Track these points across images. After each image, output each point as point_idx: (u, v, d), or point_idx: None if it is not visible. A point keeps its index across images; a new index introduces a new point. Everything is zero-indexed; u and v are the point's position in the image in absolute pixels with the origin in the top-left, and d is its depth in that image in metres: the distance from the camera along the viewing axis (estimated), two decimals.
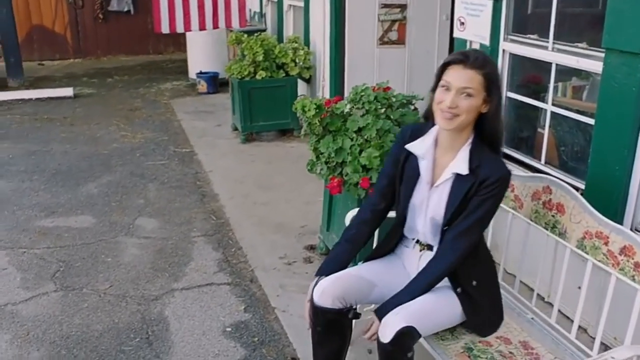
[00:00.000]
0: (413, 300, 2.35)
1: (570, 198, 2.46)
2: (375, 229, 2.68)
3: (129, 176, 5.84)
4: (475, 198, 2.29)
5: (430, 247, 2.48)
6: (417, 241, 2.53)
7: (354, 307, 2.52)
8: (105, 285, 3.87)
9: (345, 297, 2.47)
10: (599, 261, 2.33)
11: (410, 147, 2.42)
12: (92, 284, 3.89)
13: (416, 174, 2.42)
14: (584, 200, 2.41)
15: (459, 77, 2.23)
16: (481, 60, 2.26)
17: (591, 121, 3.18)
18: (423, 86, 5.80)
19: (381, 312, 2.33)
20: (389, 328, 2.26)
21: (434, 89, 2.32)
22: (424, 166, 2.40)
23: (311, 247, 4.33)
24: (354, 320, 2.57)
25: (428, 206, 2.40)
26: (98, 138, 7.16)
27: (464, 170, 2.29)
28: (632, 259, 2.20)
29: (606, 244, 2.30)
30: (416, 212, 2.45)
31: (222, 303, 3.65)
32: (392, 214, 2.63)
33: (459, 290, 2.42)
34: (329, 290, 2.45)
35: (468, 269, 2.41)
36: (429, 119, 2.42)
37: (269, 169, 6.04)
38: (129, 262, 4.16)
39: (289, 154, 6.53)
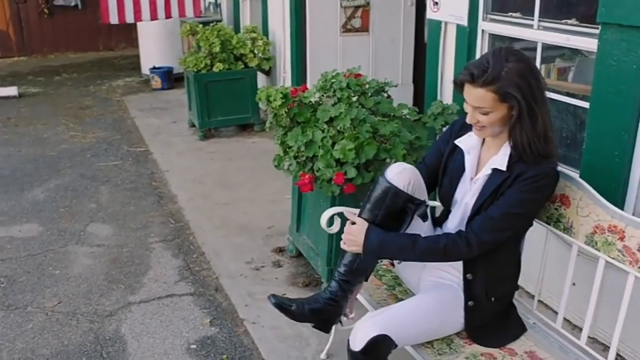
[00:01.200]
0: (395, 305, 2.21)
1: (577, 189, 2.19)
2: None
3: (79, 179, 5.41)
4: (510, 189, 2.07)
5: None
6: None
7: (427, 204, 2.24)
8: (53, 301, 3.48)
9: (418, 188, 2.24)
10: (613, 259, 2.07)
11: (459, 141, 2.29)
12: (38, 301, 3.49)
13: (461, 169, 2.27)
14: (593, 191, 2.14)
15: (470, 96, 2.07)
16: (490, 74, 1.99)
17: (582, 104, 2.94)
18: (388, 75, 5.56)
19: (371, 232, 2.15)
20: (360, 334, 2.08)
21: None
22: (469, 161, 2.25)
23: (280, 250, 4.01)
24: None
25: (465, 200, 2.22)
26: (45, 139, 6.69)
27: (503, 166, 2.11)
28: None
29: (622, 239, 2.04)
30: (456, 207, 2.29)
31: (185, 317, 3.30)
32: None
33: (470, 303, 2.19)
34: (406, 173, 2.21)
35: (490, 282, 2.19)
36: None
37: (230, 167, 5.69)
38: (79, 274, 3.77)
39: (251, 150, 6.19)
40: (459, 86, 2.10)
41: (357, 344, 2.08)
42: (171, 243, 4.17)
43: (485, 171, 2.17)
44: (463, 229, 2.17)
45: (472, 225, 2.12)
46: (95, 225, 4.46)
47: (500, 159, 2.13)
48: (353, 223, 2.23)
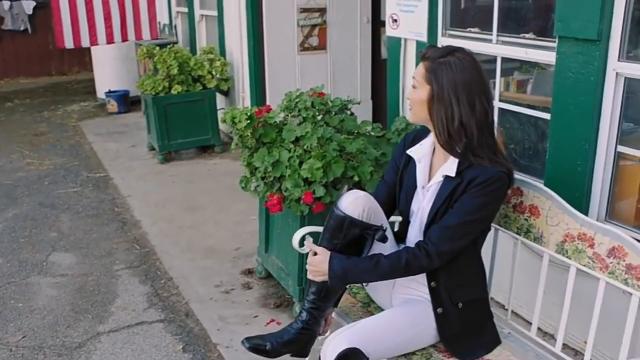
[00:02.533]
0: (366, 319, 2.22)
1: (546, 199, 2.24)
2: None
3: (38, 207, 5.28)
4: (463, 196, 2.09)
5: None
6: None
7: (384, 228, 2.23)
8: (17, 336, 3.37)
9: (373, 214, 2.24)
10: (584, 266, 2.12)
11: (410, 151, 2.31)
12: (0, 336, 3.38)
13: (415, 180, 2.29)
14: (562, 201, 2.19)
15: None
16: (434, 53, 2.10)
17: (543, 115, 3.02)
18: (347, 92, 5.62)
19: (334, 260, 2.16)
20: (330, 348, 2.07)
21: None
22: (420, 169, 2.28)
23: (249, 272, 3.98)
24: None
25: (421, 210, 2.24)
26: None
27: (452, 172, 2.12)
28: (624, 260, 1.99)
29: (591, 246, 2.09)
30: (413, 218, 2.30)
31: (156, 344, 3.24)
32: None
33: (439, 310, 2.19)
34: (359, 201, 2.21)
35: (454, 287, 2.20)
36: None
37: (192, 189, 5.63)
38: (44, 306, 3.67)
39: (212, 171, 6.14)
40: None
41: (328, 358, 2.07)
42: (137, 269, 4.09)
43: (437, 178, 2.19)
44: (422, 238, 2.20)
45: (430, 235, 2.13)
46: (57, 255, 4.35)
47: (449, 165, 2.14)
48: (315, 253, 2.24)
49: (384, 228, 2.23)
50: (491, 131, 2.14)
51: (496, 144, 2.16)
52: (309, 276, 2.27)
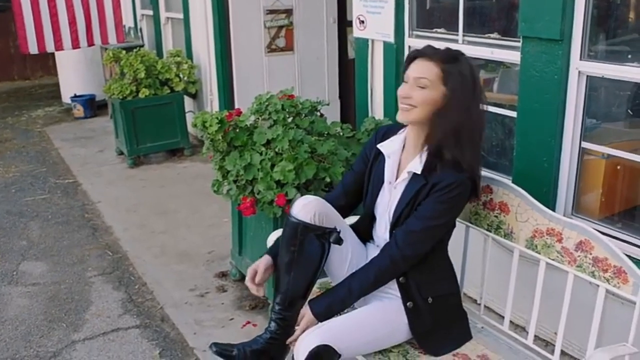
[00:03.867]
0: (337, 317, 2.22)
1: (515, 196, 2.30)
2: None
3: (5, 215, 5.21)
4: (427, 200, 2.15)
5: None
6: (378, 246, 2.39)
7: (338, 230, 2.25)
8: None
9: (327, 216, 2.26)
10: (553, 260, 2.18)
11: (381, 146, 2.34)
12: None
13: (383, 175, 2.32)
14: (530, 197, 2.25)
15: (417, 68, 2.15)
16: (443, 54, 2.15)
17: (509, 113, 3.09)
18: (315, 93, 5.66)
19: (314, 304, 2.19)
20: (302, 347, 2.10)
21: None
22: (389, 165, 2.31)
23: (223, 275, 3.99)
24: None
25: (388, 206, 2.28)
26: None
27: (418, 170, 2.17)
28: (590, 254, 2.06)
29: (559, 240, 2.15)
30: (379, 213, 2.35)
31: (133, 350, 3.23)
32: None
33: (409, 304, 2.23)
34: (311, 206, 2.23)
35: (423, 282, 2.24)
36: None
37: (163, 194, 5.61)
38: (16, 316, 3.63)
39: (182, 175, 6.12)
40: (407, 63, 2.19)
41: (300, 357, 2.09)
42: (111, 276, 4.07)
43: (404, 175, 2.23)
44: (387, 236, 2.26)
45: (395, 239, 2.18)
46: (28, 264, 4.30)
47: (416, 162, 2.19)
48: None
49: (338, 230, 2.25)
50: (480, 138, 2.22)
51: (478, 152, 2.22)
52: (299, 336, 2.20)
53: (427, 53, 2.15)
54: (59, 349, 3.29)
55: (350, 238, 2.39)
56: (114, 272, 4.11)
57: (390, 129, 2.39)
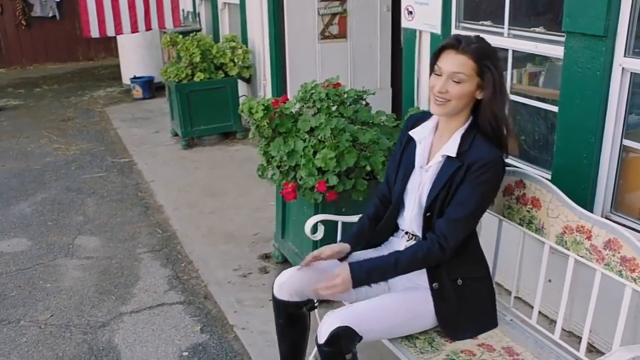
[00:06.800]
0: (362, 301, 2.31)
1: (547, 192, 2.32)
2: None
3: (65, 192, 5.47)
4: (464, 185, 2.17)
5: (417, 238, 2.36)
6: (407, 232, 2.43)
7: (314, 301, 2.48)
8: (45, 315, 3.55)
9: (303, 290, 2.43)
10: (582, 257, 2.20)
11: (412, 132, 2.38)
12: (30, 314, 3.56)
13: (414, 160, 2.35)
14: (562, 194, 2.27)
15: (450, 62, 2.15)
16: (475, 46, 2.16)
17: (552, 108, 3.07)
18: (367, 79, 5.71)
19: (354, 266, 2.24)
20: (324, 327, 2.17)
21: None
22: (420, 150, 2.35)
23: (266, 256, 4.11)
24: (312, 313, 2.58)
25: (419, 190, 2.31)
26: (29, 152, 6.73)
27: (453, 153, 2.21)
28: (619, 253, 2.07)
29: (589, 238, 2.16)
30: (409, 198, 2.36)
31: (176, 325, 3.39)
32: None
33: (435, 285, 2.28)
34: (286, 285, 2.44)
35: (454, 265, 2.27)
36: None
37: (214, 175, 5.77)
38: (70, 287, 3.84)
39: (234, 157, 6.28)
40: (437, 55, 2.20)
41: (322, 337, 2.15)
42: (159, 253, 4.24)
43: (437, 159, 2.25)
44: (415, 222, 2.32)
45: (440, 229, 2.20)
46: (83, 238, 4.53)
47: (451, 145, 2.22)
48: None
49: (315, 302, 2.48)
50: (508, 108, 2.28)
51: (503, 111, 2.24)
52: (326, 293, 2.28)
53: (461, 45, 2.14)
54: (108, 319, 3.47)
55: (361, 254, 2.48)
56: (163, 250, 4.28)
57: (422, 117, 2.41)
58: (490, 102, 2.17)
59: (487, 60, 2.15)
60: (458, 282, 2.28)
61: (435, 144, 2.32)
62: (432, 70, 2.22)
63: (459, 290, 2.29)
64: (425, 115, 2.41)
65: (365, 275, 2.23)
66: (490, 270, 2.59)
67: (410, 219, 2.36)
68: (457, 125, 2.25)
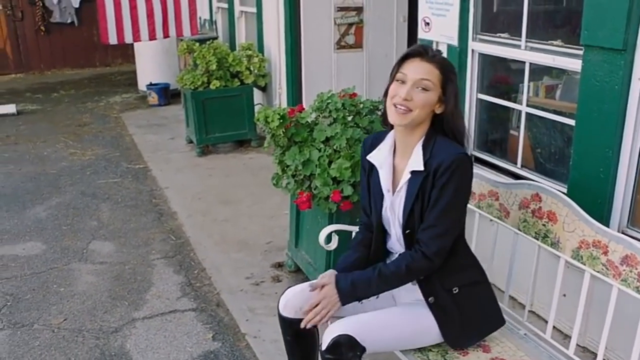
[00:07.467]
0: (368, 313, 2.29)
1: (563, 205, 2.31)
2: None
3: (80, 196, 5.51)
4: (434, 191, 2.14)
5: None
6: (398, 254, 2.37)
7: None
8: (58, 318, 3.57)
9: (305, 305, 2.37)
10: (598, 272, 2.18)
11: (370, 157, 2.34)
12: (43, 318, 3.57)
13: (380, 185, 2.31)
14: (578, 208, 2.25)
15: (416, 69, 2.13)
16: (440, 58, 2.19)
17: (569, 121, 3.06)
18: (382, 90, 5.69)
19: (339, 277, 2.26)
20: (327, 335, 2.17)
21: (387, 89, 2.21)
22: (383, 175, 2.30)
23: (279, 265, 4.10)
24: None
25: (395, 213, 2.28)
26: (45, 157, 6.79)
27: (420, 166, 2.17)
28: (636, 269, 2.05)
29: (605, 253, 2.15)
30: (388, 222, 2.33)
31: (188, 332, 3.40)
32: None
33: (430, 299, 2.25)
34: (291, 303, 2.41)
35: (446, 274, 2.24)
36: (387, 124, 2.30)
37: (228, 183, 5.79)
38: (84, 292, 3.86)
39: (248, 165, 6.29)
40: (400, 63, 2.18)
41: (324, 344, 2.15)
42: (172, 259, 4.26)
43: (406, 177, 2.21)
44: (398, 243, 2.30)
45: (420, 239, 2.18)
46: (97, 243, 4.55)
47: (415, 160, 2.18)
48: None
49: None
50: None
51: (463, 125, 2.26)
52: (319, 318, 2.26)
53: (427, 54, 2.14)
54: (120, 325, 3.48)
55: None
56: (176, 257, 4.30)
57: (375, 138, 2.37)
58: (452, 115, 2.19)
59: (451, 74, 2.17)
60: (454, 291, 2.25)
61: (398, 164, 2.28)
62: (392, 78, 2.18)
63: (456, 299, 2.25)
64: (380, 136, 2.37)
65: (351, 288, 2.22)
66: (505, 283, 2.58)
67: (397, 241, 2.34)
68: (416, 140, 2.21)
